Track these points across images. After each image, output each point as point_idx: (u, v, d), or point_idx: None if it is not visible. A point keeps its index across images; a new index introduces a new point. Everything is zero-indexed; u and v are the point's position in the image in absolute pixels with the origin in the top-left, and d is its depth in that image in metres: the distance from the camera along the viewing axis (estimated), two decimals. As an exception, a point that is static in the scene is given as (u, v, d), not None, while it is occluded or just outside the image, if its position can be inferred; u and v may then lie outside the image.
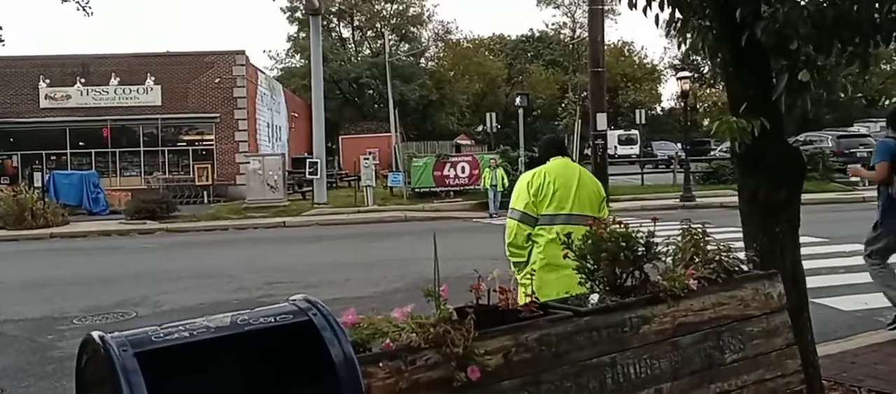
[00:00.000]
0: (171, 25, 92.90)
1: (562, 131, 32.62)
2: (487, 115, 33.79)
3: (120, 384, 1.70)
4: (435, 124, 55.86)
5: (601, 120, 23.96)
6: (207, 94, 33.07)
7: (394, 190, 28.64)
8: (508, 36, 68.18)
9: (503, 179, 23.12)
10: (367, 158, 26.14)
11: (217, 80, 33.08)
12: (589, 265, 3.24)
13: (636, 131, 51.37)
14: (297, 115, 45.33)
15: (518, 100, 26.18)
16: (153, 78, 32.68)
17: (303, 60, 56.89)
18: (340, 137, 49.37)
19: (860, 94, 57.98)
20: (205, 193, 30.03)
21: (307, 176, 27.08)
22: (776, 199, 4.89)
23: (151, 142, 33.31)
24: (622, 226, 3.23)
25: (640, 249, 3.14)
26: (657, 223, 3.32)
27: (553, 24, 68.44)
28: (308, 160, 27.39)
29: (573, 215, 4.93)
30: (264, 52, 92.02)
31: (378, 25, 57.92)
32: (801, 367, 4.74)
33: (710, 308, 3.27)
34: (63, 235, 22.16)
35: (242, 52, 33.46)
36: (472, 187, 27.14)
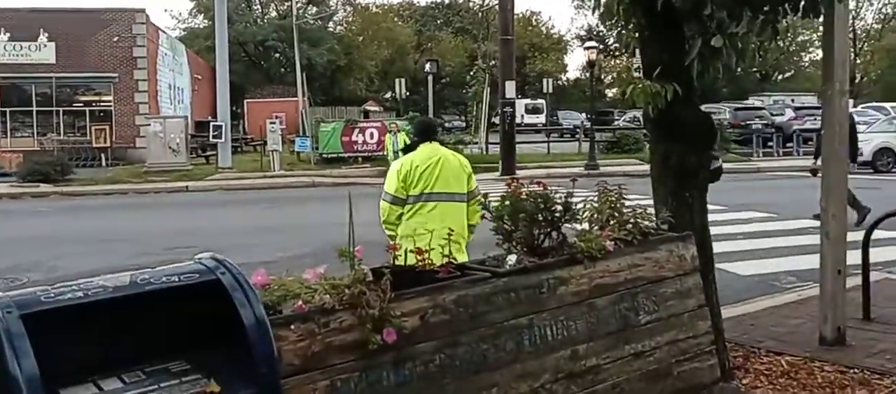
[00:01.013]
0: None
1: (470, 99, 32.61)
2: (396, 81, 33.52)
3: (3, 349, 1.53)
4: (343, 90, 55.18)
5: (510, 88, 24.05)
6: (105, 52, 31.63)
7: (301, 155, 28.15)
8: (418, 2, 67.75)
9: (405, 143, 22.93)
10: (274, 122, 25.58)
11: (116, 39, 31.68)
12: (506, 226, 3.17)
13: (543, 101, 51.95)
14: (200, 77, 43.93)
15: (427, 66, 26.04)
16: (47, 34, 31.01)
17: (206, 21, 55.08)
18: (246, 101, 48.21)
19: (755, 69, 60.24)
20: (102, 155, 28.80)
21: (211, 140, 26.28)
22: (688, 164, 4.94)
23: (45, 102, 31.68)
24: (541, 187, 3.17)
25: (558, 210, 3.09)
26: (564, 189, 3.29)
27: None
28: (212, 124, 26.57)
29: (435, 193, 5.73)
30: (166, 11, 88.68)
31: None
32: (711, 328, 4.86)
33: (626, 269, 3.27)
34: (-54, 198, 20.91)
35: (143, 11, 32.10)
36: (380, 153, 26.83)
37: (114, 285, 1.75)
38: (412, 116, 28.29)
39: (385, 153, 23.84)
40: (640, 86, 4.86)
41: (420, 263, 2.82)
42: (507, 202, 3.16)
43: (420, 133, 6.21)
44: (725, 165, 20.31)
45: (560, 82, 65.84)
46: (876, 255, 8.63)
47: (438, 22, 66.09)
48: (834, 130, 5.50)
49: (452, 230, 4.57)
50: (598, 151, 26.21)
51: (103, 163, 28.31)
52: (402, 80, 34.05)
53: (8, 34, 30.76)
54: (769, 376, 5.08)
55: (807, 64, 68.07)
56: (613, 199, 3.54)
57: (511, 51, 24.59)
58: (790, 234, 10.93)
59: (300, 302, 2.47)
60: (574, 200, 3.28)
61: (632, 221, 3.42)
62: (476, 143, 29.09)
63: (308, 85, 51.28)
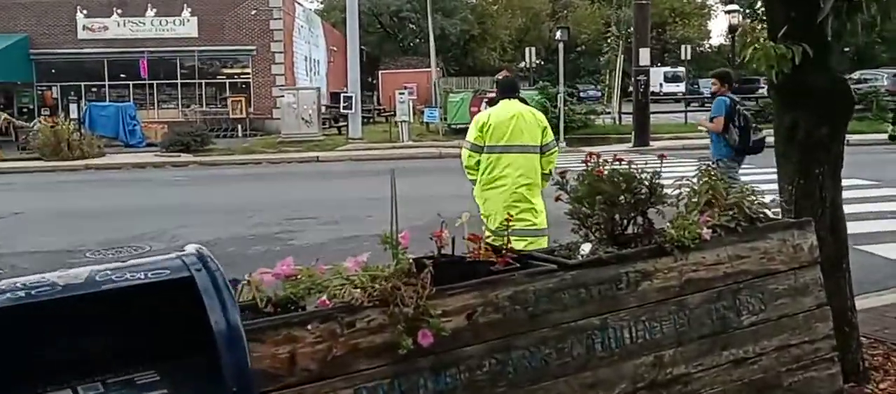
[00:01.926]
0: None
1: (603, 67, 31.61)
2: (527, 50, 32.93)
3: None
4: (476, 60, 54.94)
5: (644, 55, 23.05)
6: (243, 26, 32.59)
7: (430, 126, 28.12)
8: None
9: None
10: (403, 93, 25.61)
11: (253, 12, 32.56)
12: (584, 209, 2.76)
13: (682, 69, 49.86)
14: (336, 49, 44.71)
15: (559, 34, 25.26)
16: (189, 9, 32.26)
17: (342, -6, 56.17)
18: (380, 72, 48.79)
19: (921, 31, 55.58)
20: (239, 126, 29.78)
21: (342, 111, 26.65)
22: (817, 136, 4.33)
23: (189, 74, 33.07)
24: (624, 164, 2.74)
25: (643, 190, 2.65)
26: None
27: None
28: (342, 95, 26.93)
29: (510, 145, 6.33)
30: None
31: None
32: (836, 325, 4.26)
33: (726, 262, 2.79)
34: (98, 167, 22.14)
35: (279, -16, 32.86)
36: (510, 124, 26.55)
37: (65, 283, 1.51)
38: (543, 86, 27.73)
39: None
40: (763, 47, 4.28)
41: (474, 251, 2.46)
42: (585, 181, 2.74)
43: (502, 91, 6.98)
44: (880, 136, 18.94)
45: (701, 49, 63.09)
46: None
47: (574, -10, 64.59)
48: None
49: (526, 179, 6.29)
50: (739, 121, 24.72)
51: (240, 133, 29.27)
52: (533, 49, 33.44)
53: (154, 10, 32.22)
54: (912, 380, 4.42)
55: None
56: (714, 179, 3.04)
57: (646, 16, 23.54)
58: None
59: (324, 297, 2.17)
60: (669, 179, 2.82)
61: (737, 204, 2.92)
62: (609, 112, 28.19)
63: (441, 55, 51.54)
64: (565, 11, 60.55)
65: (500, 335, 2.33)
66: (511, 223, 5.66)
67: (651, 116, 28.23)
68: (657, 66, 44.08)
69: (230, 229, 10.88)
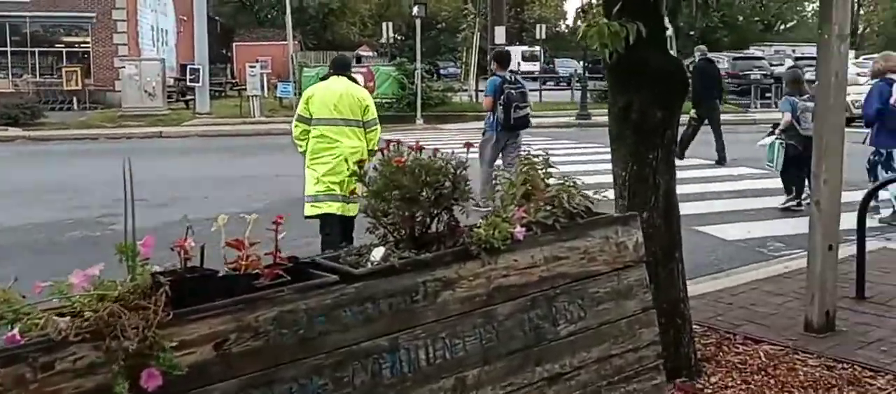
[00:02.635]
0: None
1: (460, 44, 31.55)
2: (384, 25, 32.40)
3: None
4: (336, 34, 53.91)
5: (500, 33, 23.09)
6: (82, -9, 30.45)
7: (284, 101, 27.18)
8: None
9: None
10: (254, 66, 24.59)
11: (93, -24, 30.46)
12: (379, 207, 2.35)
13: (538, 48, 50.68)
14: (186, 18, 42.48)
15: (415, 10, 24.86)
16: (20, -29, 29.80)
17: (195, -40, 53.60)
18: (234, 44, 46.98)
19: (757, 18, 58.90)
20: (75, 98, 27.76)
21: (189, 83, 25.31)
22: (651, 119, 4.11)
23: (21, 41, 30.58)
24: (426, 152, 2.34)
25: (446, 184, 2.26)
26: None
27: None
28: (189, 67, 25.56)
29: (331, 119, 6.78)
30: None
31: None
32: (669, 318, 4.08)
33: (542, 265, 2.45)
34: None
35: (122, -54, 30.81)
36: (365, 99, 26.03)
37: None
38: (400, 62, 27.32)
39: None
40: (596, 25, 4.01)
41: (234, 263, 2.00)
42: (383, 173, 2.33)
43: (334, 68, 7.44)
44: (724, 117, 19.57)
45: (558, 29, 64.44)
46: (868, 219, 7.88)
47: (435, -35, 64.36)
48: (829, 80, 4.64)
49: (348, 149, 6.65)
50: (592, 100, 25.23)
51: (76, 106, 27.33)
52: (389, 25, 32.96)
53: (-20, -29, 29.56)
54: (743, 371, 4.31)
55: (810, 14, 66.61)
56: (536, 168, 2.70)
57: (501, -6, 23.56)
58: (782, 193, 10.09)
59: (16, 331, 1.66)
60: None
61: (556, 197, 2.58)
62: (466, 90, 28.11)
63: (300, 29, 50.08)
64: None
65: (260, 367, 1.88)
66: (331, 187, 6.70)
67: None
68: (516, 44, 44.41)
69: (47, 212, 9.91)
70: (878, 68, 8.92)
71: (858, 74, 32.19)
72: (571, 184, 2.65)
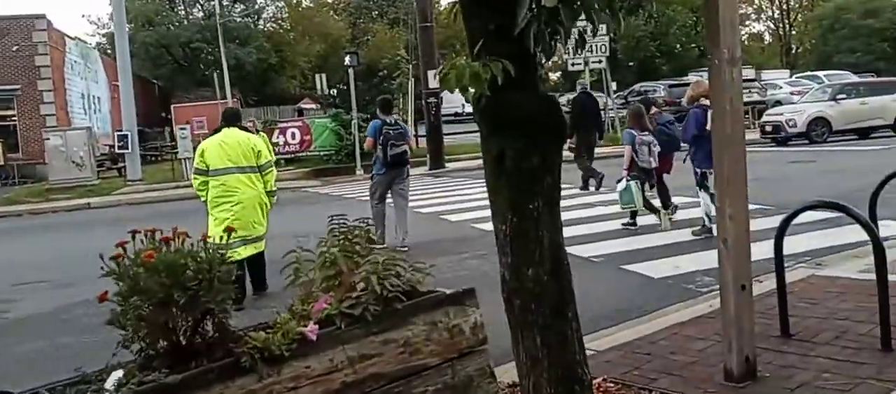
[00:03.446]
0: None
1: (395, 90, 31.26)
2: (318, 77, 32.09)
3: None
4: (276, 89, 53.39)
5: (432, 77, 22.77)
6: (5, 63, 29.63)
7: (219, 161, 26.49)
8: (349, -5, 65.97)
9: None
10: (184, 128, 23.97)
11: (15, 48, 29.69)
12: (132, 313, 1.87)
13: (481, 88, 50.59)
14: (119, 84, 41.81)
15: (347, 59, 24.57)
16: (-61, 47, 28.92)
17: (129, 25, 52.77)
18: (173, 106, 46.15)
19: (693, 45, 59.77)
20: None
21: (117, 151, 24.57)
22: (528, 165, 3.70)
23: (-59, 119, 29.60)
24: (179, 244, 1.87)
25: (195, 281, 1.80)
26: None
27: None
28: (117, 133, 24.84)
29: (227, 168, 7.47)
30: (84, 16, 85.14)
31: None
32: (565, 386, 3.64)
33: (346, 368, 1.99)
34: None
35: (43, 16, 30.11)
36: (303, 154, 25.57)
37: None
38: (336, 113, 26.91)
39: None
40: (455, 66, 3.61)
41: None
42: (131, 273, 1.85)
43: (224, 120, 8.03)
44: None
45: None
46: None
47: (373, 14, 64.41)
48: (724, 108, 4.30)
49: (245, 195, 7.50)
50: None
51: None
52: (323, 76, 32.62)
53: None
54: (654, 435, 3.88)
55: (746, 38, 68.11)
56: (350, 241, 2.25)
57: (432, 38, 23.33)
58: (697, 222, 9.78)
59: None
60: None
61: (366, 281, 2.13)
62: (403, 136, 27.72)
63: (239, 85, 49.45)
64: (366, 37, 60.17)
65: None
66: (234, 233, 6.87)
67: (452, 136, 28.15)
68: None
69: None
70: (691, 95, 9.72)
71: (792, 93, 32.69)
72: (387, 260, 2.20)
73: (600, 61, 25.76)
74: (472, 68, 3.54)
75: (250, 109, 44.54)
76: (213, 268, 1.84)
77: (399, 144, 10.32)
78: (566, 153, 13.51)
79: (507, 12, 3.61)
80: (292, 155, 25.67)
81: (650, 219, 10.32)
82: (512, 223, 3.75)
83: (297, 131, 25.71)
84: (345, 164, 23.89)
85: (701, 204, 9.36)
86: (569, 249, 8.87)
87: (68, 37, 34.38)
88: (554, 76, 61.42)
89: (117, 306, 1.90)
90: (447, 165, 23.12)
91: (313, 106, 47.33)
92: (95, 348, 3.00)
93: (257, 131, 14.71)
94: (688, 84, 31.81)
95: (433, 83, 22.68)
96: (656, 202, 10.60)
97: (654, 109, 11.69)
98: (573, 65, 26.76)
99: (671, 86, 31.04)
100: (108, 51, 45.02)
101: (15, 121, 29.97)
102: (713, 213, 8.39)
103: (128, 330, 1.87)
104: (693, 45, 60.22)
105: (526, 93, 3.74)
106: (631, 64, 57.15)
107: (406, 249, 9.62)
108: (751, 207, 10.02)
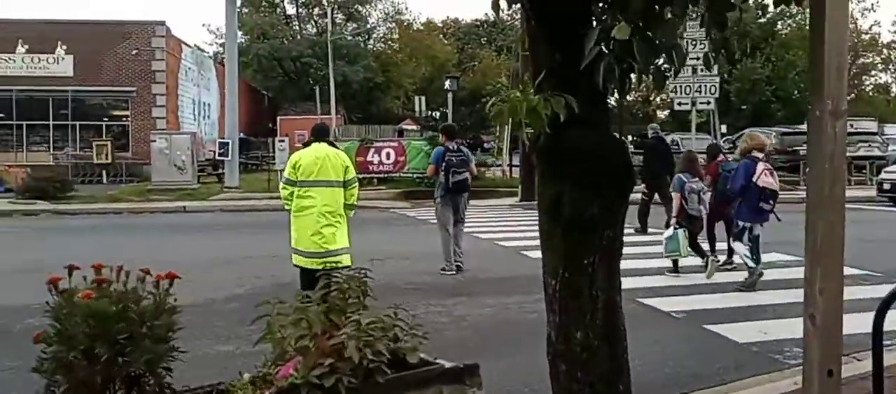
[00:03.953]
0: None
1: (495, 118, 30.91)
2: (417, 99, 32.18)
3: None
4: (380, 108, 54.02)
5: (531, 107, 22.45)
6: (123, 66, 30.90)
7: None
8: (462, 19, 66.39)
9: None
10: (283, 140, 24.33)
11: (134, 52, 30.92)
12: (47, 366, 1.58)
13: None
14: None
15: (447, 83, 24.54)
16: (64, 47, 30.40)
17: (245, 36, 54.54)
18: (279, 118, 47.31)
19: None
20: (104, 171, 27.88)
21: (217, 157, 25.18)
22: (586, 214, 3.31)
23: (62, 116, 31.01)
24: (119, 285, 1.58)
25: (126, 335, 1.50)
26: None
27: (510, 12, 66.69)
28: (218, 141, 25.46)
29: (315, 181, 7.83)
30: (204, 25, 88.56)
31: (323, 2, 55.60)
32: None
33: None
34: (-71, 213, 20.04)
35: (162, 23, 31.30)
36: (397, 174, 25.54)
37: None
38: (432, 136, 26.83)
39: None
40: (512, 99, 3.26)
41: None
42: (61, 317, 1.57)
43: (314, 135, 8.38)
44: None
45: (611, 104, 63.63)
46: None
47: (482, 40, 64.60)
48: (823, 168, 3.78)
49: (329, 208, 7.81)
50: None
51: (104, 179, 27.41)
52: (423, 98, 32.71)
53: (26, 46, 30.22)
54: None
55: (869, 87, 64.90)
56: (343, 296, 1.92)
57: (533, 67, 22.96)
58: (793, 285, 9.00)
59: None
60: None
61: (348, 345, 1.79)
62: (499, 164, 27.43)
63: (345, 102, 50.29)
64: (472, 63, 60.34)
65: None
66: (315, 241, 7.76)
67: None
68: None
69: (13, 296, 9.35)
70: (744, 147, 9.58)
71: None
72: (373, 322, 1.86)
73: (709, 103, 24.77)
74: (529, 102, 3.20)
75: (353, 125, 45.19)
76: (145, 321, 1.54)
77: (461, 172, 10.57)
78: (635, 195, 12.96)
79: (575, 43, 3.25)
80: (385, 174, 25.67)
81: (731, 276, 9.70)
82: (563, 278, 3.37)
83: (392, 151, 25.73)
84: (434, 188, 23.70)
85: (737, 257, 9.41)
86: (649, 301, 8.34)
87: (185, 44, 35.66)
88: (662, 114, 59.98)
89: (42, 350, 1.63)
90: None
91: (414, 127, 47.64)
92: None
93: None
94: (803, 133, 30.39)
95: (531, 113, 22.32)
96: (706, 246, 10.48)
97: (720, 157, 11.57)
98: (679, 105, 25.86)
99: (783, 133, 29.68)
100: (223, 60, 46.63)
101: (128, 122, 31.17)
102: (751, 264, 8.97)
103: (47, 380, 1.60)
104: (811, 92, 57.66)
105: (590, 133, 3.35)
106: (744, 107, 55.20)
107: (458, 269, 10.51)
108: (854, 271, 9.23)
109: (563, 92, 3.27)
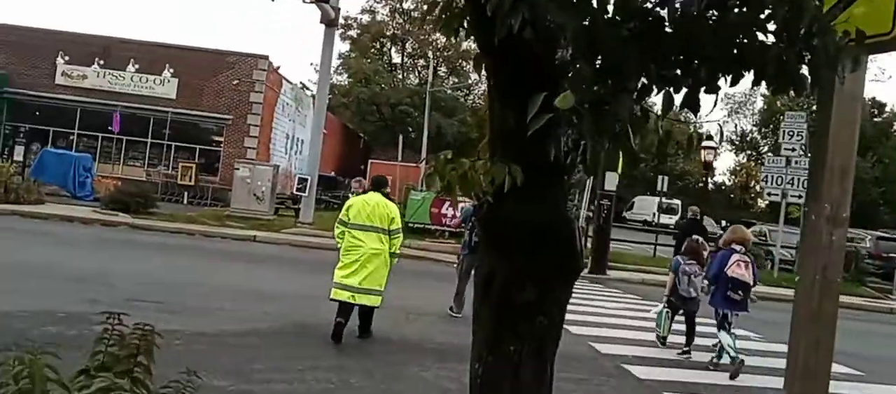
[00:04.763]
0: (216, 26, 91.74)
1: (573, 186, 30.45)
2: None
3: None
4: (470, 162, 54.15)
5: (611, 179, 21.93)
6: (223, 94, 31.94)
7: (389, 221, 26.84)
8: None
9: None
10: (358, 181, 24.45)
11: (235, 82, 31.96)
12: None
13: (678, 201, 48.77)
14: (326, 132, 44.00)
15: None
16: (171, 70, 31.70)
17: (348, 79, 55.86)
18: (370, 161, 47.98)
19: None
20: (186, 193, 28.70)
21: (295, 192, 25.53)
22: (520, 298, 2.98)
23: (161, 135, 32.23)
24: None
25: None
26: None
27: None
28: (298, 176, 25.84)
29: (363, 225, 8.85)
30: (311, 64, 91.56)
31: (429, 54, 56.51)
32: None
33: None
34: (22, 214, 20.93)
35: (266, 57, 32.27)
36: (461, 230, 25.31)
37: None
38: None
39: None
40: (446, 162, 2.99)
41: None
42: None
43: (371, 185, 9.64)
44: (855, 300, 17.97)
45: (701, 185, 62.04)
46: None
47: (580, 107, 64.23)
48: (811, 279, 3.34)
49: (375, 251, 8.88)
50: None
51: (185, 201, 28.19)
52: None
53: (136, 66, 31.64)
54: None
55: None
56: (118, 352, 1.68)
57: (617, 139, 22.49)
58: None
59: None
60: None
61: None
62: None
63: (434, 153, 50.47)
64: (569, 128, 59.93)
65: None
66: (352, 277, 8.91)
67: (627, 243, 26.90)
68: (658, 194, 42.82)
69: (50, 301, 9.53)
70: (726, 239, 10.20)
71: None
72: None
73: (801, 197, 23.62)
74: (459, 168, 2.92)
75: (441, 177, 45.36)
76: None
77: None
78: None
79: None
80: (458, 229, 25.46)
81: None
82: (486, 363, 3.03)
83: (467, 207, 25.53)
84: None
85: (722, 343, 9.50)
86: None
87: (286, 80, 36.65)
88: (763, 204, 58.05)
89: None
90: (609, 272, 21.96)
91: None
92: None
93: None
94: (902, 241, 28.69)
95: (609, 185, 21.79)
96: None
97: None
98: (769, 195, 24.84)
99: (879, 238, 28.06)
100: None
101: (221, 148, 32.08)
102: (733, 353, 9.21)
103: None
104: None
105: (534, 207, 3.03)
106: (845, 214, 52.75)
107: (459, 316, 11.16)
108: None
109: (512, 159, 2.99)
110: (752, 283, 9.57)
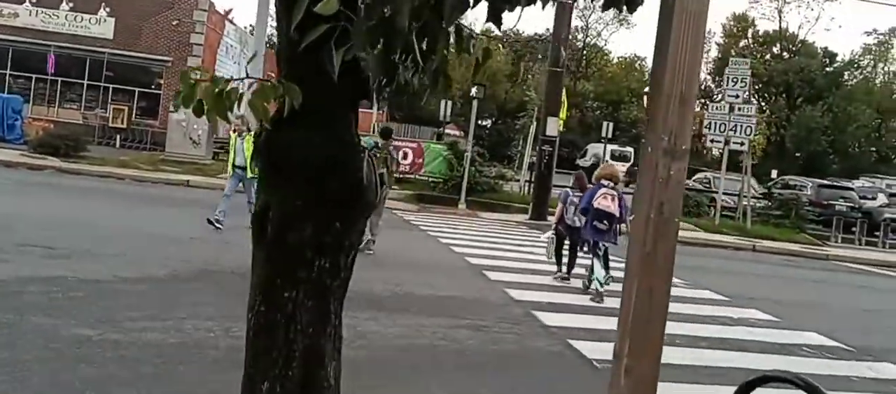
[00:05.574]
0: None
1: (518, 132, 30.19)
2: (442, 103, 31.65)
3: None
4: (425, 110, 53.52)
5: (552, 125, 21.57)
6: (162, 34, 30.83)
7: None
8: (521, 32, 65.51)
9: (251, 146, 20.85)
10: (298, 127, 23.92)
11: (175, 23, 30.87)
12: None
13: (632, 149, 48.81)
14: (274, 75, 43.00)
15: (473, 90, 23.84)
16: (107, 9, 30.50)
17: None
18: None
19: (873, 148, 55.11)
20: (118, 136, 27.83)
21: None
22: (297, 236, 2.59)
23: (97, 77, 31.08)
24: None
25: None
26: None
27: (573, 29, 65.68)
28: (236, 116, 25.14)
29: None
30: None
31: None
32: None
33: None
34: (-60, 158, 20.07)
35: (206, -3, 31.21)
36: (413, 176, 24.94)
37: None
38: (452, 142, 26.26)
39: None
40: (205, 88, 2.55)
41: None
42: None
43: (380, 134, 10.58)
44: (794, 247, 17.96)
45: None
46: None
47: (538, 56, 63.72)
48: (646, 217, 2.99)
49: None
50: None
51: (117, 144, 27.37)
52: (449, 103, 32.28)
53: (71, 4, 30.39)
54: None
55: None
56: None
57: (559, 85, 22.16)
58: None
59: None
60: None
61: None
62: (517, 180, 26.62)
63: (397, 100, 49.83)
64: (526, 76, 59.49)
65: None
66: None
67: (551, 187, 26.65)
68: (605, 141, 42.59)
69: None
70: (597, 174, 10.61)
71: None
72: None
73: (743, 144, 23.53)
74: (212, 86, 2.50)
75: (393, 123, 44.82)
76: None
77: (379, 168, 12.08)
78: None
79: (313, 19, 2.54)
80: (401, 175, 25.05)
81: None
82: (257, 313, 2.65)
83: (410, 152, 25.16)
84: (449, 195, 23.01)
85: (594, 271, 10.04)
86: (575, 343, 7.52)
87: (229, 21, 35.56)
88: (717, 151, 58.39)
89: None
90: (549, 218, 21.74)
91: (458, 132, 46.98)
92: None
93: (245, 132, 13.70)
94: (839, 187, 28.90)
95: (551, 130, 21.48)
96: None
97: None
98: (712, 142, 24.76)
99: (820, 185, 28.22)
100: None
101: (161, 91, 31.12)
102: (602, 279, 9.90)
103: None
104: (873, 148, 55.54)
105: (314, 135, 2.63)
106: (798, 155, 53.28)
107: (371, 253, 11.21)
108: (824, 341, 8.38)
109: (295, 80, 2.59)
110: (617, 214, 10.03)
